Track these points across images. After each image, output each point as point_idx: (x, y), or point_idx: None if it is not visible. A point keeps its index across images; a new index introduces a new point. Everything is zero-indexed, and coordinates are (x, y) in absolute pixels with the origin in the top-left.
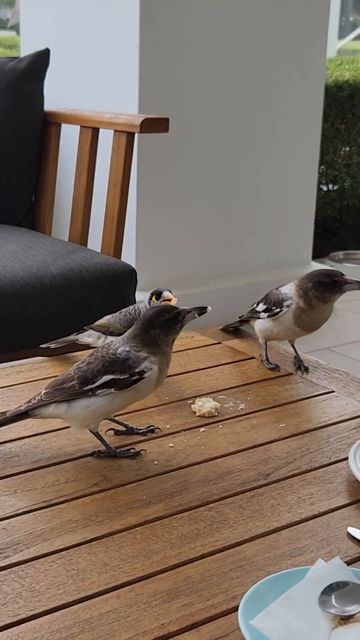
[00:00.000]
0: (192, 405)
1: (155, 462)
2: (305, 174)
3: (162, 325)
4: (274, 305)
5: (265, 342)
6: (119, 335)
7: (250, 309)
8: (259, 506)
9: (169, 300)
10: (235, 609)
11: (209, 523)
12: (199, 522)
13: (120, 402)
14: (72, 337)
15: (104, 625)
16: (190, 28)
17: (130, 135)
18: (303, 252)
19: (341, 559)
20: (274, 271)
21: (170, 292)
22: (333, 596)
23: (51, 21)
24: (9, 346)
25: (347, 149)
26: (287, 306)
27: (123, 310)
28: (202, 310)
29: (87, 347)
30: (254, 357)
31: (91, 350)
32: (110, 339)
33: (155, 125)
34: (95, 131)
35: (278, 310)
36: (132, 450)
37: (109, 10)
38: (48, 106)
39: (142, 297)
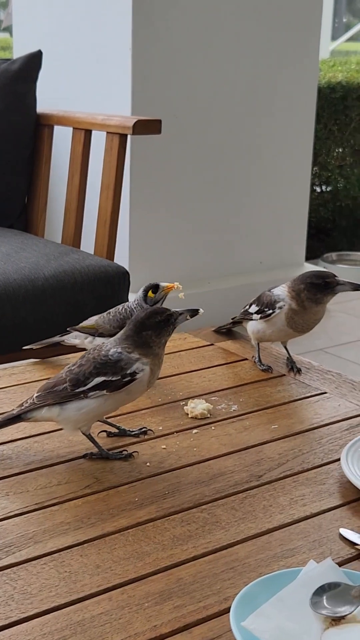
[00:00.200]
0: (185, 407)
1: (148, 463)
2: (298, 175)
3: (154, 327)
4: (266, 306)
5: (258, 344)
6: (109, 336)
7: (242, 310)
8: (251, 507)
9: (171, 288)
10: (227, 610)
11: (201, 525)
12: (191, 523)
13: (113, 404)
14: (56, 338)
15: (96, 627)
16: (182, 30)
17: (122, 137)
18: (296, 253)
19: (333, 560)
20: (268, 272)
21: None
22: (325, 597)
23: (44, 23)
24: (1, 349)
25: (340, 150)
26: (280, 308)
27: (112, 310)
28: (194, 312)
29: (77, 349)
30: (246, 359)
31: (83, 353)
32: (99, 340)
33: (147, 127)
34: (87, 133)
35: (270, 311)
36: (125, 452)
37: (101, 12)
38: (41, 108)
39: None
